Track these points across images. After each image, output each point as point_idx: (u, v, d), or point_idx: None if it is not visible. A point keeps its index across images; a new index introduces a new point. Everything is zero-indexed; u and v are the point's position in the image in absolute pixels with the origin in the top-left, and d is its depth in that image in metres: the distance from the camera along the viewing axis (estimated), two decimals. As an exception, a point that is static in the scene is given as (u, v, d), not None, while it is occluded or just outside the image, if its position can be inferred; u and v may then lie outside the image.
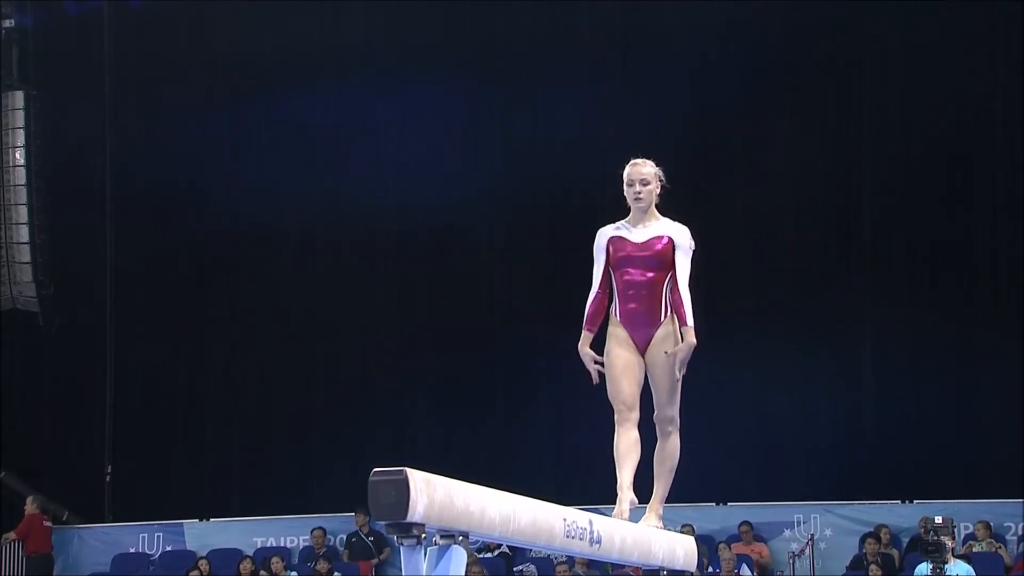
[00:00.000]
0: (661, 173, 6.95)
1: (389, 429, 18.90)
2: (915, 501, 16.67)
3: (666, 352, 6.77)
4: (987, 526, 16.20)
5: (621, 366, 6.82)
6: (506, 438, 18.65)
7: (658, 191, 6.93)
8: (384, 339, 19.51)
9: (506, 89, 19.44)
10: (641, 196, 6.87)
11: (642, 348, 6.84)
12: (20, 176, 19.59)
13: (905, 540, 16.44)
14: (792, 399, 17.83)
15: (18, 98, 19.56)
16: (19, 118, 19.53)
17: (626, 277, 6.84)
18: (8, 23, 19.45)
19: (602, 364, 6.83)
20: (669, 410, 6.90)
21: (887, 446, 17.71)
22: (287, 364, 19.58)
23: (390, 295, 19.62)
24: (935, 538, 13.33)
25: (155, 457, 19.23)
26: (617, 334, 6.87)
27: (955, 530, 15.07)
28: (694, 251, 6.89)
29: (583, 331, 6.89)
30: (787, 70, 18.39)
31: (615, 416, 6.85)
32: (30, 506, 18.33)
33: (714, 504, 17.38)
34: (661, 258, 6.81)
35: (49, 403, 19.94)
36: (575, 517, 5.73)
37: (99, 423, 19.40)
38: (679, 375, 6.79)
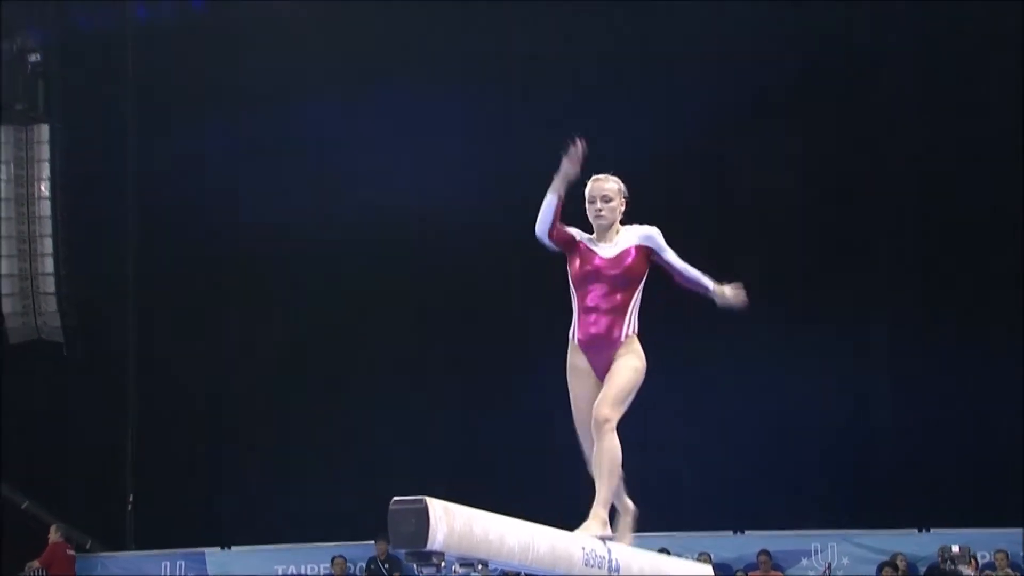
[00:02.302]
0: (625, 189, 6.63)
1: (407, 450, 18.70)
2: (932, 530, 16.65)
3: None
4: (1006, 555, 16.21)
5: (586, 409, 6.47)
6: (529, 452, 18.36)
7: (622, 208, 6.60)
8: (400, 359, 19.26)
9: (506, 90, 19.32)
10: (603, 214, 6.56)
11: (601, 374, 6.49)
12: (45, 208, 19.80)
13: (922, 569, 16.43)
14: (809, 426, 17.77)
15: (43, 131, 19.79)
16: (44, 151, 19.76)
17: (590, 296, 6.48)
18: (34, 57, 19.64)
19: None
20: (612, 411, 6.39)
21: (904, 474, 17.70)
22: (308, 393, 19.59)
23: (406, 319, 19.43)
24: (952, 567, 13.36)
25: (177, 486, 19.28)
26: (578, 366, 6.54)
27: (976, 559, 15.11)
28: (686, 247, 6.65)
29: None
30: (792, 75, 18.26)
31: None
32: (53, 534, 18.41)
33: (731, 532, 17.30)
34: (629, 275, 6.48)
35: (72, 432, 20.03)
36: (594, 545, 5.83)
37: (121, 452, 19.50)
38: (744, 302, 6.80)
